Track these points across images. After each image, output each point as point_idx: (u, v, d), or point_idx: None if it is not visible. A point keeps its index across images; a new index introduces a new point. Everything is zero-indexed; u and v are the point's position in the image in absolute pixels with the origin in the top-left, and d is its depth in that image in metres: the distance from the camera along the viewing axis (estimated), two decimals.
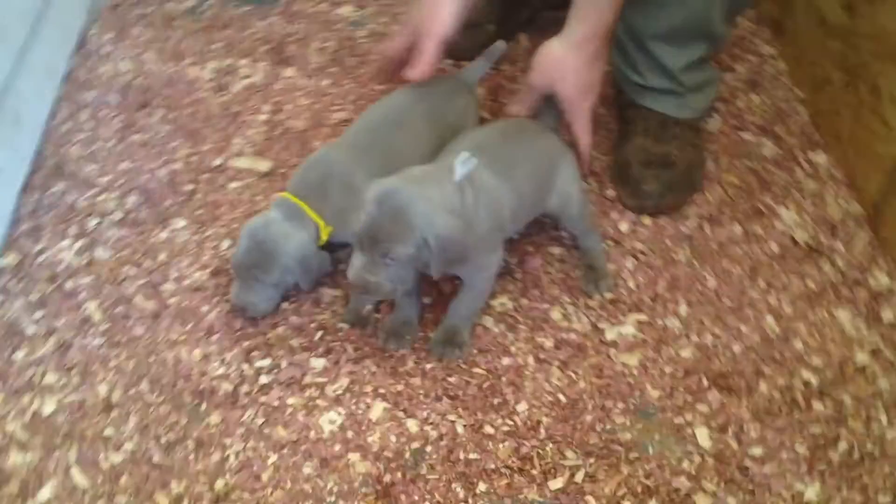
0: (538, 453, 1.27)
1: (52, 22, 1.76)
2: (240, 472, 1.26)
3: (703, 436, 1.27)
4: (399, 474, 1.25)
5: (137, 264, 1.51)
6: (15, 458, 1.26)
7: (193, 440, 1.29)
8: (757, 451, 1.25)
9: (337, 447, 1.28)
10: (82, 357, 1.38)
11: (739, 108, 1.72)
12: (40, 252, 1.52)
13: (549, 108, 1.43)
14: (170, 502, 1.23)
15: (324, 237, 1.40)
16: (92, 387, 1.35)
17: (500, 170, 1.30)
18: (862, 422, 1.27)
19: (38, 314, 1.43)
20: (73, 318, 1.43)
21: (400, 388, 1.35)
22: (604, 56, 1.41)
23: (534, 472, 1.25)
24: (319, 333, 1.41)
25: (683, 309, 1.42)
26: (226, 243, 1.54)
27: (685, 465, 1.24)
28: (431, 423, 1.31)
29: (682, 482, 1.23)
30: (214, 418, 1.32)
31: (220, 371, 1.37)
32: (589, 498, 1.22)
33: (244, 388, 1.35)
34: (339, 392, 1.35)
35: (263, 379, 1.36)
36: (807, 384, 1.32)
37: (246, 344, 1.40)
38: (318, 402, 1.34)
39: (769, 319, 1.40)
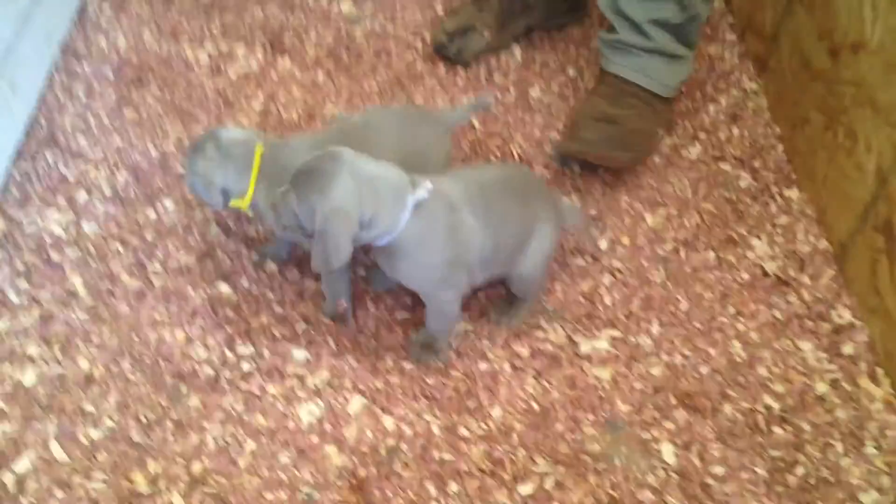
0: (510, 458, 1.31)
1: None
2: (217, 456, 1.28)
3: (668, 452, 1.33)
4: (374, 469, 1.28)
5: (124, 242, 1.52)
6: None
7: (172, 422, 1.31)
8: (719, 469, 1.31)
9: (314, 438, 1.31)
10: (65, 330, 1.39)
11: (720, 139, 1.78)
12: (29, 221, 1.52)
13: None
14: (147, 482, 1.25)
15: (242, 205, 1.35)
16: (73, 361, 1.36)
17: (488, 216, 1.29)
18: (819, 448, 1.33)
19: (23, 284, 1.43)
20: (57, 290, 1.43)
21: (379, 384, 1.38)
22: None
23: (505, 476, 1.29)
24: (302, 325, 1.44)
25: (656, 328, 1.48)
26: (214, 229, 1.56)
27: (650, 479, 1.30)
28: (408, 422, 1.34)
29: (647, 495, 1.28)
30: (194, 401, 1.33)
31: (203, 355, 1.39)
32: None
33: (226, 374, 1.37)
34: (319, 384, 1.37)
35: (245, 366, 1.38)
36: (769, 409, 1.37)
37: (229, 330, 1.42)
38: (298, 392, 1.36)
39: (736, 344, 1.46)
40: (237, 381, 1.36)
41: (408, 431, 1.33)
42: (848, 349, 1.45)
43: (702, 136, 1.79)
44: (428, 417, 1.35)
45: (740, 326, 1.48)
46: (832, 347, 1.45)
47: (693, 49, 1.75)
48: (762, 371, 1.42)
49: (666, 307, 1.51)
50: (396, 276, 1.30)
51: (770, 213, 1.65)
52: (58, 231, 1.51)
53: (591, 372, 1.42)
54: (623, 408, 1.37)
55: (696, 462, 1.31)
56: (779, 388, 1.40)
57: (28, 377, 1.33)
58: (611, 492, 1.28)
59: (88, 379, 1.34)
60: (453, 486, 1.28)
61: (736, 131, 1.79)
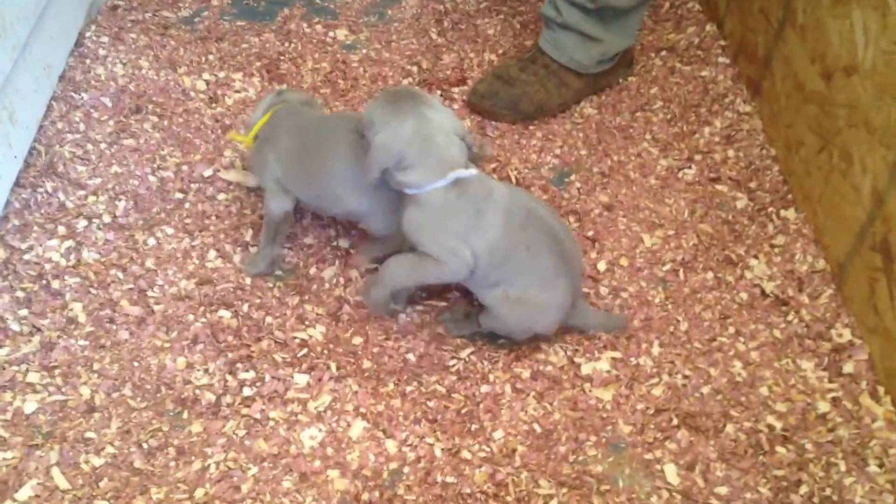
0: (513, 480, 1.30)
1: (52, 20, 1.76)
2: (220, 482, 1.27)
3: (671, 472, 1.32)
4: (377, 493, 1.28)
5: (124, 269, 1.52)
6: None
7: (174, 448, 1.30)
8: (722, 490, 1.30)
9: (317, 463, 1.30)
10: (66, 358, 1.38)
11: (716, 160, 1.79)
12: (28, 249, 1.52)
13: None
14: None
15: (246, 140, 1.54)
16: (74, 388, 1.35)
17: (513, 233, 1.36)
18: (822, 467, 1.33)
19: (24, 312, 1.43)
20: (58, 318, 1.43)
21: (380, 408, 1.38)
22: None
23: (508, 498, 1.28)
24: (303, 350, 1.44)
25: (656, 349, 1.48)
26: (212, 254, 1.56)
27: (654, 499, 1.29)
28: (410, 445, 1.34)
29: None
30: (196, 427, 1.33)
31: (204, 380, 1.38)
32: None
33: (227, 399, 1.36)
34: (321, 409, 1.37)
35: (246, 391, 1.38)
36: (771, 428, 1.38)
37: (230, 355, 1.41)
38: (300, 417, 1.36)
39: (737, 364, 1.46)
40: (238, 407, 1.36)
41: (410, 455, 1.32)
42: (848, 368, 1.45)
43: (697, 158, 1.81)
44: (430, 440, 1.34)
45: (740, 346, 1.49)
46: (832, 366, 1.46)
47: (618, 36, 1.86)
48: (763, 390, 1.43)
49: (666, 328, 1.51)
50: (405, 223, 1.37)
51: (767, 234, 1.66)
52: (58, 259, 1.51)
53: (593, 393, 1.42)
54: (625, 429, 1.37)
55: (700, 482, 1.31)
56: (780, 407, 1.40)
57: (29, 405, 1.32)
58: None
59: (90, 406, 1.33)
60: None
61: (731, 153, 1.81)
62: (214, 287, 1.51)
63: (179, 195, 1.65)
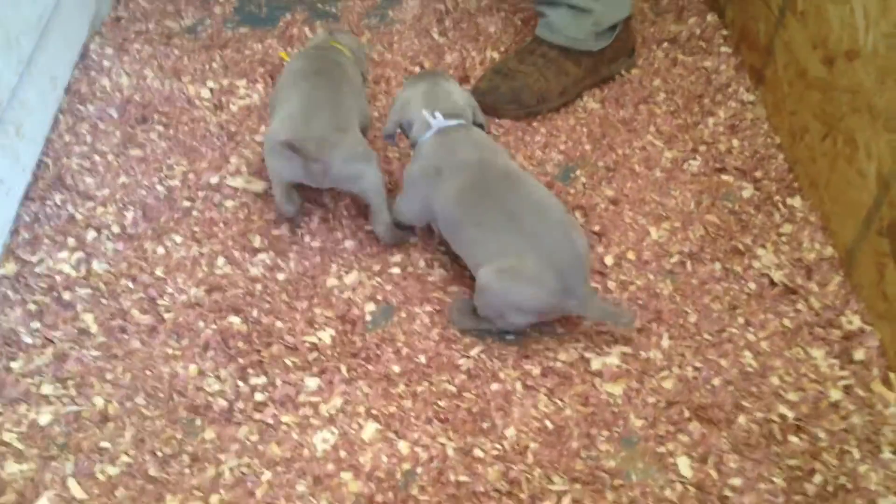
0: (526, 478, 1.30)
1: (57, 33, 1.78)
2: (234, 488, 1.28)
3: (684, 465, 1.32)
4: (391, 495, 1.28)
5: (134, 278, 1.53)
6: (11, 468, 1.27)
7: (188, 455, 1.31)
8: (736, 481, 1.30)
9: (330, 466, 1.31)
10: (79, 368, 1.40)
11: (720, 150, 1.79)
12: (39, 262, 1.53)
13: None
14: None
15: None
16: (88, 399, 1.36)
17: (470, 195, 1.44)
18: (836, 456, 1.32)
19: (36, 324, 1.44)
20: (70, 329, 1.44)
21: (392, 409, 1.38)
22: None
23: (522, 495, 1.29)
24: (314, 354, 1.45)
25: (666, 342, 1.48)
26: (221, 260, 1.57)
27: (668, 493, 1.29)
28: (422, 445, 1.34)
29: None
30: (209, 434, 1.34)
31: (216, 387, 1.39)
32: None
33: (239, 405, 1.37)
34: (333, 412, 1.37)
35: (258, 396, 1.39)
36: (783, 418, 1.37)
37: (241, 361, 1.42)
38: (312, 420, 1.36)
39: (747, 355, 1.46)
40: (251, 412, 1.36)
41: (423, 455, 1.33)
42: (859, 355, 1.45)
43: (702, 148, 1.80)
44: (442, 440, 1.35)
45: (750, 336, 1.49)
46: (843, 354, 1.45)
47: (608, 5, 1.86)
48: (775, 380, 1.42)
49: (675, 320, 1.51)
50: (405, 174, 1.55)
51: (774, 223, 1.66)
52: (68, 270, 1.53)
53: (604, 388, 1.42)
54: (637, 423, 1.37)
55: (714, 474, 1.31)
56: (792, 396, 1.40)
57: (44, 416, 1.34)
58: None
59: (104, 416, 1.34)
60: None
61: (736, 142, 1.81)
62: (224, 293, 1.52)
63: (187, 203, 1.66)
